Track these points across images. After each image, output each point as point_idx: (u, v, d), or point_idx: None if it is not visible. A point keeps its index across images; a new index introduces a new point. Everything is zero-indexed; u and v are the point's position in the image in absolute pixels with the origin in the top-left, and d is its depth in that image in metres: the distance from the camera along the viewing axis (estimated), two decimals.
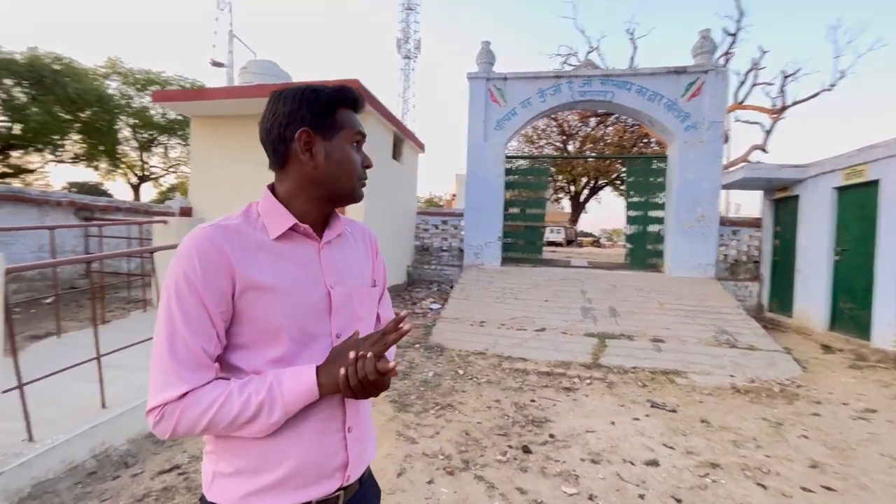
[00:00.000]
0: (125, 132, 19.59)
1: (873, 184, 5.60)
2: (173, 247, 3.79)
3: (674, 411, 3.67)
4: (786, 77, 15.33)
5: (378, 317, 1.02)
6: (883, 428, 3.41)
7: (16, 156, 17.33)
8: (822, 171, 6.53)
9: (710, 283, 7.32)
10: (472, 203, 8.49)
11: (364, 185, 0.89)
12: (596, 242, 33.73)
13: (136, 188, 21.74)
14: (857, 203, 5.97)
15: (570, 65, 17.79)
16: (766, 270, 8.12)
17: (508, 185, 8.80)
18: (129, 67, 18.65)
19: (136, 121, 19.02)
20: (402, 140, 8.41)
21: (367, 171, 0.90)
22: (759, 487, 2.56)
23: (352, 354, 0.74)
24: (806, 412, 3.71)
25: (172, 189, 25.13)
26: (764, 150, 16.00)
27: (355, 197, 0.87)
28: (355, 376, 0.73)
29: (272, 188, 0.87)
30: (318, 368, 0.77)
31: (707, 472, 2.73)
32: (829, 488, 2.57)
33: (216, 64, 21.33)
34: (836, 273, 6.31)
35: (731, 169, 8.43)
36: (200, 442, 2.80)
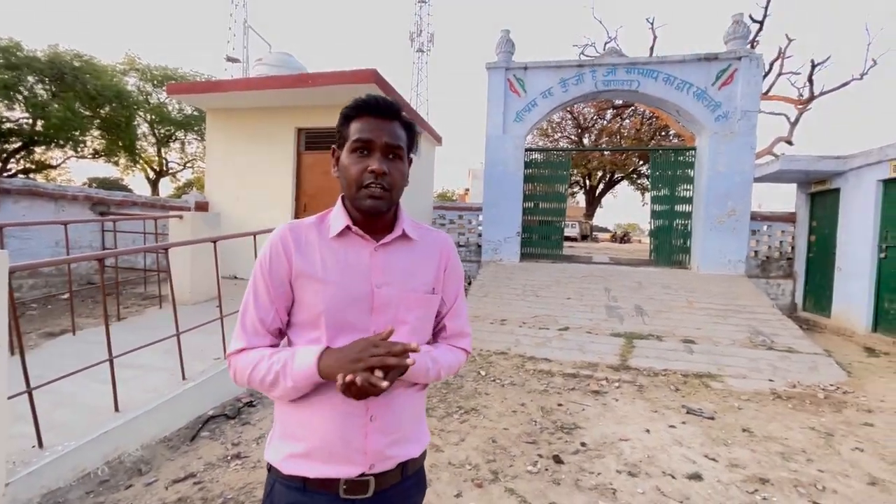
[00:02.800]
0: (143, 128, 19.81)
1: None
2: (188, 242, 3.68)
3: (712, 418, 3.44)
4: (814, 66, 14.71)
5: (445, 327, 1.05)
6: None
7: (38, 152, 17.65)
8: (866, 162, 6.14)
9: (740, 280, 7.00)
10: (490, 197, 8.27)
11: (375, 194, 0.88)
12: (625, 237, 32.58)
13: (154, 183, 22.02)
14: None
15: (587, 56, 17.35)
16: (800, 268, 7.74)
17: (527, 179, 8.55)
18: (146, 64, 18.79)
19: (154, 116, 19.19)
20: (419, 132, 8.22)
21: (387, 178, 0.89)
22: None
23: (353, 356, 0.79)
24: (857, 422, 3.44)
25: (189, 184, 25.42)
26: (790, 142, 15.41)
27: (360, 205, 0.89)
28: (342, 380, 0.76)
29: (343, 196, 0.97)
30: (323, 352, 0.83)
31: (756, 488, 2.51)
32: None
33: (231, 59, 21.44)
34: (880, 271, 5.94)
35: (759, 161, 8.05)
36: (217, 448, 2.69)
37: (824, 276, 7.07)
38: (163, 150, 21.47)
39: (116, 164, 20.48)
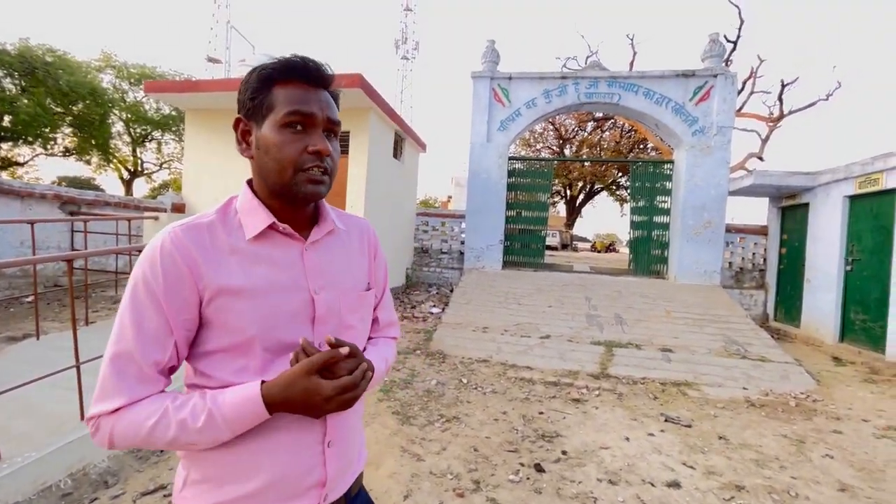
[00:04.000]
0: (118, 126, 19.27)
1: (889, 193, 5.48)
2: None
3: (689, 426, 3.50)
4: (784, 85, 15.35)
5: (377, 320, 0.94)
6: None
7: (5, 148, 16.94)
8: (833, 178, 6.41)
9: (716, 290, 7.19)
10: (473, 205, 8.31)
11: (318, 179, 0.72)
12: (611, 247, 33.92)
13: (127, 183, 21.39)
14: (870, 212, 5.85)
15: (570, 69, 17.71)
16: (771, 279, 8.00)
17: (510, 187, 8.63)
18: (123, 62, 18.32)
19: (130, 115, 18.70)
20: (404, 138, 8.21)
21: (329, 160, 0.73)
22: None
23: (320, 394, 0.65)
24: (826, 429, 3.55)
25: (165, 185, 24.78)
26: (761, 158, 16.00)
27: (297, 192, 0.72)
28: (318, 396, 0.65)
29: (251, 182, 0.78)
30: (265, 387, 0.66)
31: (732, 495, 2.55)
32: None
33: (213, 60, 21.10)
34: (846, 284, 6.18)
35: (733, 175, 8.33)
36: None
37: (794, 287, 7.32)
38: (138, 150, 20.91)
39: (88, 162, 19.83)
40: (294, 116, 0.70)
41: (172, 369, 0.72)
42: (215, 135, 7.06)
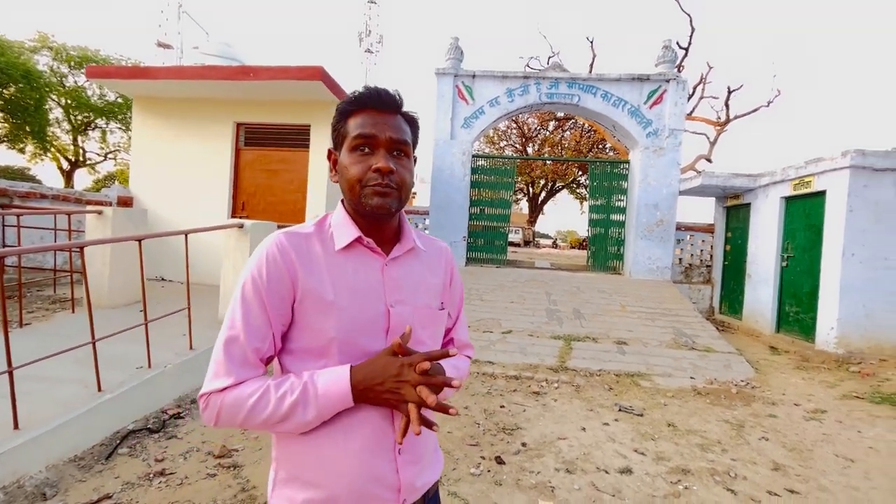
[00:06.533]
0: (56, 113, 17.89)
1: (820, 195, 5.96)
2: (111, 240, 3.37)
3: (641, 415, 3.68)
4: (730, 92, 16.28)
5: (452, 341, 1.02)
6: (834, 428, 3.57)
7: None
8: (772, 181, 6.89)
9: (667, 285, 7.56)
10: (437, 202, 8.33)
11: (381, 192, 0.79)
12: (583, 244, 35.14)
13: (68, 175, 19.93)
14: (804, 212, 6.33)
15: (532, 68, 18.03)
16: (717, 274, 8.51)
17: (474, 185, 8.71)
18: (61, 43, 16.99)
19: (70, 101, 17.40)
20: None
21: (392, 176, 0.80)
22: (729, 493, 2.56)
23: (392, 373, 0.74)
24: (763, 413, 3.82)
25: (111, 177, 23.30)
26: (709, 159, 16.93)
27: (366, 205, 0.80)
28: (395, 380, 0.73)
29: (344, 202, 0.89)
30: (353, 368, 0.76)
31: (679, 478, 2.71)
32: (793, 491, 2.61)
33: (163, 45, 19.98)
34: (782, 279, 6.67)
35: (684, 176, 8.79)
36: (138, 466, 2.47)
37: (737, 282, 7.82)
38: (79, 139, 19.51)
39: (22, 151, 18.32)
40: (359, 140, 0.79)
41: (269, 359, 0.81)
42: (166, 124, 6.71)
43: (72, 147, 19.55)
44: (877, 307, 5.48)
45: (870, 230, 5.49)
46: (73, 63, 16.96)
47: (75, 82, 17.42)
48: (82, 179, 24.35)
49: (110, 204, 6.48)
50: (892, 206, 5.49)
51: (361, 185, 0.79)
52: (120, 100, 17.55)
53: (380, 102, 0.81)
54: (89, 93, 17.71)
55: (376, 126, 0.80)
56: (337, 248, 0.82)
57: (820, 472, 2.86)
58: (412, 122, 0.88)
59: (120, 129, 19.75)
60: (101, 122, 19.22)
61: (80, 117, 18.52)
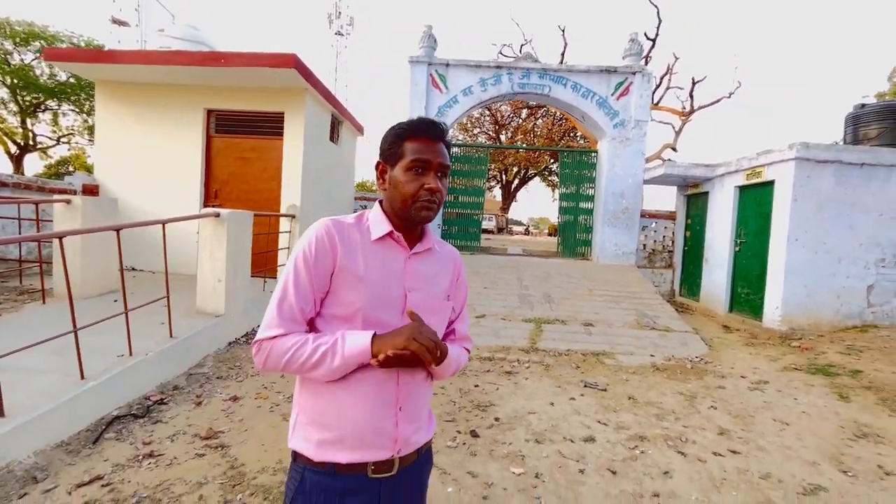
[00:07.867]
0: (2, 93, 16.74)
1: (769, 184, 6.40)
2: (90, 230, 3.35)
3: (604, 390, 3.97)
4: (694, 83, 16.88)
5: (454, 331, 1.18)
6: (773, 397, 3.96)
7: None
8: (727, 171, 7.32)
9: (631, 270, 7.95)
10: None
11: (429, 207, 0.98)
12: (549, 231, 36.10)
13: (17, 160, 18.75)
14: (755, 200, 6.79)
15: (505, 56, 18.12)
16: (678, 259, 9.00)
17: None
18: (4, 17, 15.84)
19: (17, 80, 16.29)
20: (341, 121, 8.07)
21: (438, 195, 0.99)
22: (680, 455, 2.86)
23: (407, 333, 0.90)
24: (713, 385, 4.19)
25: (64, 162, 22.07)
26: (674, 148, 17.56)
27: (412, 217, 0.99)
28: (413, 340, 0.89)
29: (381, 203, 1.08)
30: (375, 334, 0.93)
31: (636, 444, 2.98)
32: (735, 452, 2.93)
33: (118, 22, 18.85)
34: (735, 262, 7.15)
35: (649, 165, 9.18)
36: (125, 449, 2.54)
37: (696, 266, 8.31)
38: (28, 121, 18.34)
39: None
40: (416, 162, 0.97)
41: (311, 321, 0.99)
42: (132, 110, 6.49)
43: (20, 130, 18.38)
44: (816, 288, 5.99)
45: (812, 217, 5.97)
46: (18, 39, 15.85)
47: (21, 60, 16.32)
48: (33, 164, 22.97)
49: (74, 192, 6.26)
50: (832, 195, 5.98)
51: (414, 200, 0.98)
52: (73, 80, 16.58)
53: (433, 133, 0.99)
54: (38, 72, 16.64)
55: (430, 152, 0.98)
56: (372, 238, 1.00)
57: (759, 434, 3.20)
58: (449, 147, 1.06)
59: (73, 111, 18.67)
60: (52, 103, 18.12)
61: (28, 98, 17.40)
